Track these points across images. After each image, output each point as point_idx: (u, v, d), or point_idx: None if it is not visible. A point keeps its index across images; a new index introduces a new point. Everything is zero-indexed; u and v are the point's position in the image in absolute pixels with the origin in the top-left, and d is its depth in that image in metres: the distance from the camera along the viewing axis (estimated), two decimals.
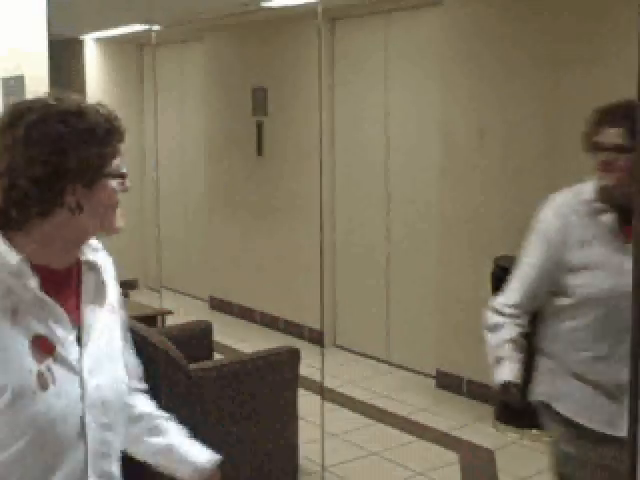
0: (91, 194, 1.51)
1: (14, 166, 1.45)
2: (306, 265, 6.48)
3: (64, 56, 7.75)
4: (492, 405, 5.04)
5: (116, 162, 1.59)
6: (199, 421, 3.61)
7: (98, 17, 6.86)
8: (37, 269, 1.50)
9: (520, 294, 2.83)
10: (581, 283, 2.66)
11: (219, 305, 7.81)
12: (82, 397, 1.55)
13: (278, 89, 6.92)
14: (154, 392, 3.58)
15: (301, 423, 4.11)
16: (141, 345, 3.58)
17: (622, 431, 2.38)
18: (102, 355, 1.63)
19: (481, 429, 4.88)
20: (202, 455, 2.02)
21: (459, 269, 5.33)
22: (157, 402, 3.50)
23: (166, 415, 2.02)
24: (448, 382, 5.51)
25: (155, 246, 7.47)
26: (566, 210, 2.78)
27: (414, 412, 5.12)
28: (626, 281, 2.46)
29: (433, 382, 5.63)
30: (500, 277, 4.94)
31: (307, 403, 4.57)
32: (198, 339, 4.38)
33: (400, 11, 5.94)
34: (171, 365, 3.51)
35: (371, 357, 6.25)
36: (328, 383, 5.13)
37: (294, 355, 4.02)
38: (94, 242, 1.66)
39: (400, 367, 6.01)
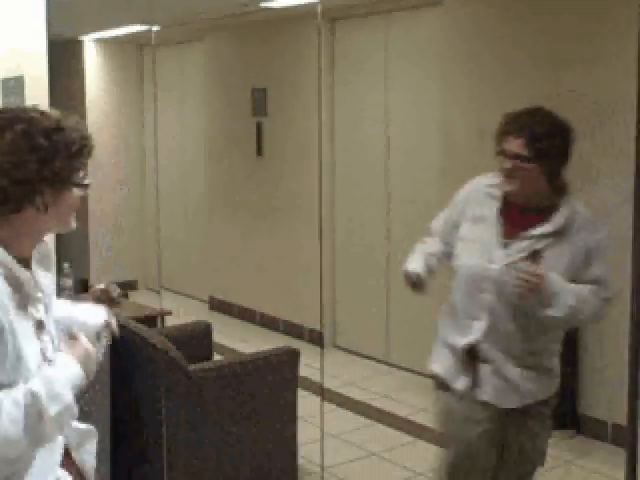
0: (57, 198, 1.77)
1: None
2: (306, 265, 6.47)
3: (64, 56, 7.75)
4: None
5: (82, 173, 1.83)
6: (199, 421, 3.61)
7: (98, 17, 6.85)
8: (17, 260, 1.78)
9: (435, 237, 3.08)
10: (457, 253, 2.91)
11: (219, 306, 7.80)
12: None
13: (278, 89, 6.92)
14: (154, 392, 3.59)
15: (301, 423, 4.11)
16: (141, 345, 3.59)
17: (485, 395, 2.84)
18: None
19: None
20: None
21: None
22: (157, 402, 3.51)
23: None
24: None
25: (155, 247, 7.47)
26: (476, 187, 2.96)
27: (414, 412, 5.11)
28: (490, 267, 2.72)
29: (433, 382, 5.62)
30: None
31: (307, 403, 4.57)
32: (198, 340, 4.38)
33: (400, 11, 5.93)
34: (171, 365, 3.51)
35: (371, 357, 6.25)
36: (328, 383, 5.12)
37: (294, 356, 4.02)
38: None
39: (400, 367, 6.01)
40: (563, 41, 4.74)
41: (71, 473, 1.94)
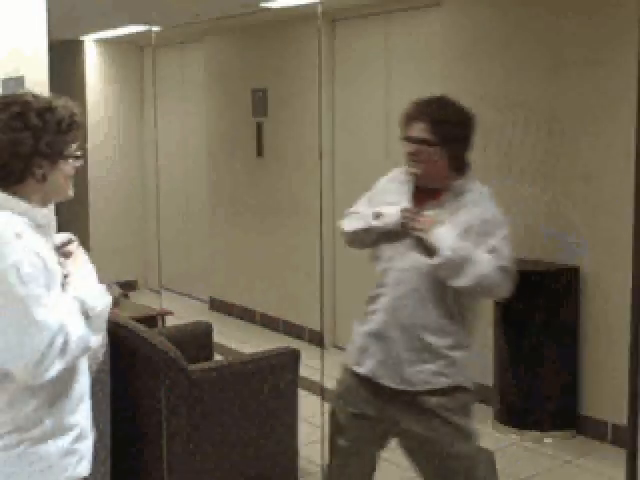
0: (54, 169, 2.04)
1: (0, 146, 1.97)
2: (306, 266, 6.48)
3: (64, 57, 7.77)
4: (492, 406, 5.06)
5: (74, 146, 2.09)
6: (199, 422, 3.61)
7: (98, 18, 6.86)
8: None
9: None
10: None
11: (219, 306, 7.81)
12: None
13: (278, 90, 6.92)
14: (154, 392, 3.59)
15: (301, 424, 4.11)
16: (141, 345, 3.59)
17: (368, 372, 2.96)
18: None
19: (481, 430, 4.86)
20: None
21: None
22: (157, 402, 3.51)
23: None
24: None
25: (155, 247, 7.48)
26: (393, 177, 3.12)
27: None
28: (400, 251, 2.88)
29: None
30: None
31: (307, 404, 4.57)
32: (198, 340, 4.38)
33: (400, 12, 5.94)
34: (171, 366, 3.51)
35: None
36: (328, 384, 5.12)
37: (294, 356, 4.02)
38: None
39: None
40: (563, 41, 4.74)
41: None
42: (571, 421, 4.77)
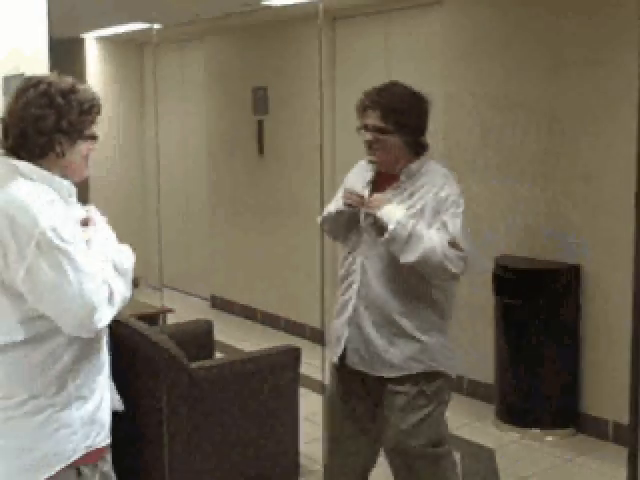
0: (72, 147, 2.15)
1: (25, 120, 2.10)
2: (307, 264, 6.48)
3: (65, 55, 7.74)
4: (493, 404, 5.06)
5: (93, 128, 2.21)
6: (200, 420, 3.61)
7: (99, 16, 6.85)
8: None
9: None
10: None
11: (220, 304, 7.81)
12: None
13: (279, 88, 6.92)
14: (155, 390, 3.59)
15: (302, 422, 4.11)
16: (142, 343, 3.59)
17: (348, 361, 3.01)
18: None
19: (482, 428, 4.89)
20: None
21: None
22: (158, 401, 3.52)
23: None
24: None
25: (156, 245, 7.47)
26: (358, 167, 3.22)
27: None
28: (363, 238, 3.01)
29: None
30: (502, 276, 4.97)
31: (308, 402, 4.57)
32: (199, 338, 4.38)
33: (401, 11, 5.93)
34: (172, 364, 3.51)
35: None
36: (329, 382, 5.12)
37: (295, 354, 4.02)
38: None
39: None
40: (563, 41, 4.74)
41: None
42: (572, 419, 4.77)
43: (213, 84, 7.78)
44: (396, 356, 2.96)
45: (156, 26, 7.04)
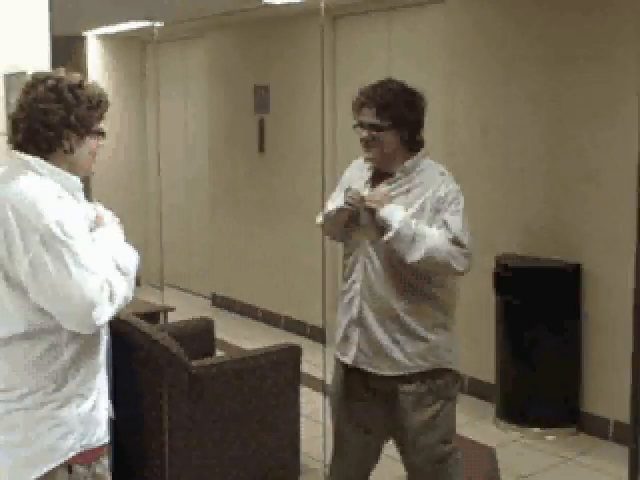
0: (80, 142, 2.17)
1: (33, 115, 2.11)
2: (308, 262, 6.48)
3: (66, 52, 7.75)
4: (493, 403, 5.06)
5: (101, 124, 2.23)
6: (201, 418, 3.62)
7: (100, 13, 6.85)
8: None
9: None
10: None
11: (221, 302, 7.81)
12: None
13: (280, 86, 6.91)
14: (156, 388, 3.59)
15: (303, 420, 4.11)
16: (143, 342, 3.59)
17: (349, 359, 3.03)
18: None
19: (482, 427, 4.88)
20: None
21: None
22: (159, 398, 3.51)
23: None
24: None
25: (157, 243, 7.47)
26: (357, 165, 3.20)
27: None
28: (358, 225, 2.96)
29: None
30: (502, 275, 4.97)
31: (309, 400, 4.57)
32: (200, 336, 4.38)
33: (402, 8, 5.93)
34: (173, 362, 3.51)
35: None
36: (329, 380, 5.12)
37: (296, 352, 4.03)
38: None
39: None
40: (565, 38, 4.73)
41: None
42: (573, 418, 4.77)
43: (214, 82, 7.78)
44: (402, 354, 2.95)
45: (157, 24, 7.03)
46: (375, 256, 2.98)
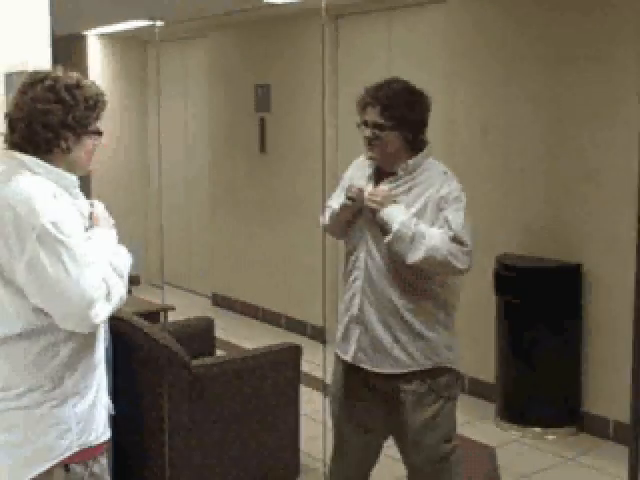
0: (78, 142, 2.17)
1: (32, 115, 2.11)
2: (308, 261, 6.48)
3: (67, 52, 7.76)
4: (494, 403, 5.06)
5: (98, 123, 2.23)
6: (201, 417, 3.62)
7: (101, 13, 6.85)
8: None
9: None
10: None
11: (221, 302, 7.81)
12: None
13: (281, 85, 6.92)
14: (156, 388, 3.59)
15: (303, 419, 4.12)
16: (143, 341, 3.59)
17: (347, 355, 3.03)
18: None
19: (483, 426, 4.89)
20: None
21: None
22: (159, 398, 3.51)
23: None
24: None
25: (158, 242, 7.47)
26: (358, 164, 3.20)
27: None
28: (365, 235, 2.99)
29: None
30: (502, 275, 4.97)
31: (309, 400, 4.57)
32: (200, 335, 4.38)
33: (403, 8, 5.93)
34: (173, 361, 3.52)
35: None
36: (330, 380, 5.12)
37: (296, 352, 4.03)
38: None
39: None
40: (566, 38, 4.73)
41: None
42: (573, 418, 4.77)
43: (215, 81, 7.78)
44: (402, 353, 2.96)
45: (158, 23, 7.03)
46: (376, 254, 2.98)
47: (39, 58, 3.96)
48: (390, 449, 3.31)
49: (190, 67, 8.26)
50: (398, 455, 3.22)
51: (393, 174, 3.01)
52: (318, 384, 4.98)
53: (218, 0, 6.24)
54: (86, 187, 2.28)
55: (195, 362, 3.62)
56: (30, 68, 3.91)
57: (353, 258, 3.09)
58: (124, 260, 2.23)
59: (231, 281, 7.73)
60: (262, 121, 7.12)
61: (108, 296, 2.07)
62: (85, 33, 8.13)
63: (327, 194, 3.42)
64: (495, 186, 5.18)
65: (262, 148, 7.17)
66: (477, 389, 5.27)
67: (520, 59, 4.99)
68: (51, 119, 2.11)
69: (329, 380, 3.37)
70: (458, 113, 5.37)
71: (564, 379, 4.76)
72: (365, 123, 3.01)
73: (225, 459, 3.73)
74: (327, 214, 3.20)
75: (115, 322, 3.55)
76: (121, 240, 2.33)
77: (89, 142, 2.21)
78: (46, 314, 2.03)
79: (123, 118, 8.33)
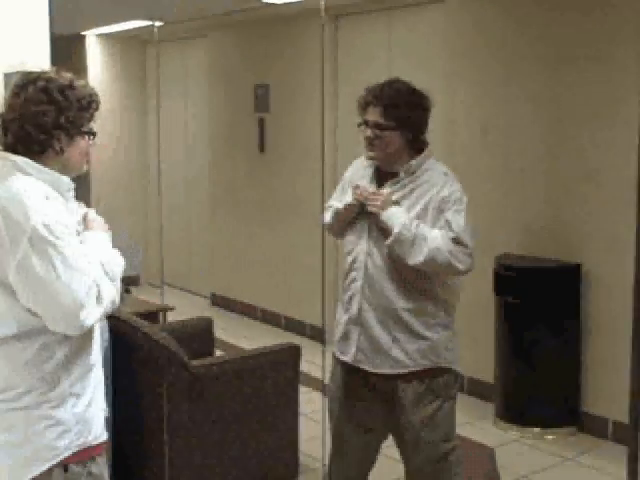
0: (71, 143, 2.17)
1: (24, 116, 2.10)
2: (307, 262, 6.48)
3: (67, 52, 7.75)
4: (493, 403, 5.06)
5: (91, 124, 2.22)
6: (200, 417, 3.62)
7: (101, 13, 6.85)
8: None
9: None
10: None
11: (221, 302, 7.81)
12: None
13: (281, 85, 6.92)
14: (155, 388, 3.59)
15: (302, 420, 4.12)
16: (142, 341, 3.59)
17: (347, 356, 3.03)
18: None
19: (482, 427, 4.88)
20: None
21: None
22: (159, 398, 3.52)
23: None
24: None
25: (157, 242, 7.47)
26: (358, 164, 3.20)
27: None
28: (364, 235, 2.98)
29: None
30: (502, 275, 4.97)
31: (308, 400, 4.57)
32: (199, 336, 4.38)
33: (403, 8, 5.93)
34: (172, 361, 3.51)
35: None
36: (329, 380, 5.12)
37: (295, 352, 4.03)
38: None
39: None
40: (566, 37, 4.73)
41: None
42: (572, 418, 4.77)
43: (215, 81, 7.78)
44: (402, 353, 2.96)
45: (158, 23, 7.03)
46: (376, 254, 2.98)
47: (38, 58, 3.97)
48: (390, 449, 3.31)
49: (190, 67, 8.26)
50: (398, 455, 3.22)
51: (393, 174, 3.01)
52: (317, 384, 4.98)
53: (218, 0, 6.24)
54: (86, 187, 2.28)
55: (195, 362, 3.61)
56: (29, 68, 3.92)
57: (352, 258, 3.08)
58: (117, 264, 2.21)
59: (230, 281, 7.73)
60: (262, 121, 7.12)
61: (99, 299, 2.05)
62: (84, 33, 8.13)
63: (327, 194, 3.42)
64: (495, 186, 5.18)
65: (262, 148, 7.17)
66: (476, 389, 5.26)
67: (520, 59, 4.99)
68: (44, 120, 2.10)
69: (328, 380, 3.37)
70: (458, 113, 5.37)
71: (564, 379, 4.76)
72: (366, 123, 3.01)
73: (225, 459, 3.73)
74: (329, 213, 3.19)
75: (115, 322, 3.56)
76: (121, 240, 2.33)
77: (83, 143, 2.20)
78: (39, 316, 2.03)
79: (123, 118, 8.33)
